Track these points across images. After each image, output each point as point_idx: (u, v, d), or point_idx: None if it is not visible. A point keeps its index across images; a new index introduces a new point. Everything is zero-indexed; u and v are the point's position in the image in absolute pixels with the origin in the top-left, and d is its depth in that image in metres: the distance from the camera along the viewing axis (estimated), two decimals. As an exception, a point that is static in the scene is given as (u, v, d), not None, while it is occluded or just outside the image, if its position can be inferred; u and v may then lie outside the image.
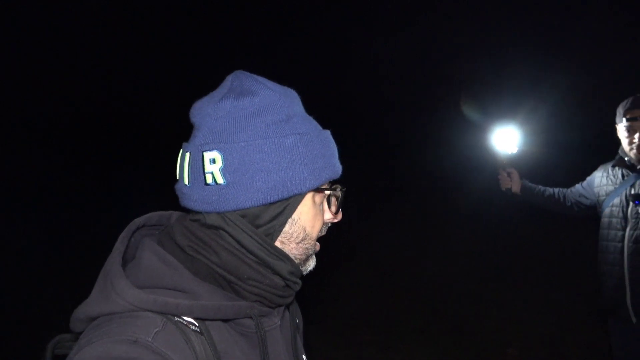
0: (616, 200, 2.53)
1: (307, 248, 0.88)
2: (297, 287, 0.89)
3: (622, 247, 2.46)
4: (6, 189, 7.80)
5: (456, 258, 5.97)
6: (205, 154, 0.79)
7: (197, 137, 0.82)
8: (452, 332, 4.32)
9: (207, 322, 0.79)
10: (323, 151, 0.85)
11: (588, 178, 2.79)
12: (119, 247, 0.83)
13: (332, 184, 0.91)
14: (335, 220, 0.94)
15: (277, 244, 0.85)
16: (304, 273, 0.92)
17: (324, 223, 0.92)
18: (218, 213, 0.81)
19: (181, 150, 0.86)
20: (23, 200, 7.66)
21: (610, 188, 2.59)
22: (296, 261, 0.88)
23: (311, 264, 0.92)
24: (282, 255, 0.84)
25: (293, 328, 0.98)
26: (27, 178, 8.45)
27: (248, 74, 0.86)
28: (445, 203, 7.97)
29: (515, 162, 2.86)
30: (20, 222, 6.84)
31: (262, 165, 0.78)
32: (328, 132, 0.90)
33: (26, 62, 11.03)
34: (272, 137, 0.80)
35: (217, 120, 0.81)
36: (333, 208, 0.93)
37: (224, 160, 0.78)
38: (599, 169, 2.74)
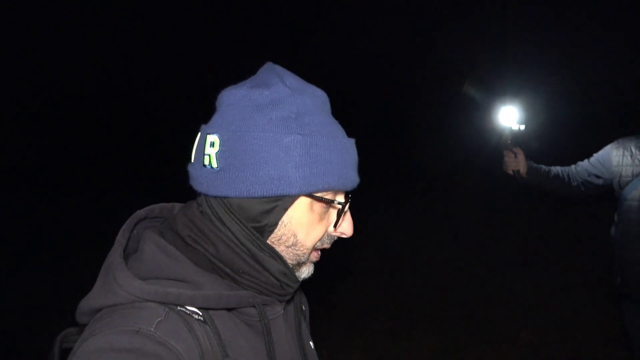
0: None
1: (297, 254, 0.86)
2: (291, 290, 0.88)
3: None
4: (10, 178, 7.88)
5: (466, 244, 5.94)
6: (208, 136, 0.81)
7: (211, 119, 0.84)
8: (464, 318, 4.31)
9: (210, 312, 0.80)
10: (329, 157, 0.81)
11: (598, 155, 2.61)
12: (120, 239, 0.84)
13: (347, 195, 0.87)
14: (344, 236, 0.90)
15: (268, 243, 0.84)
16: (299, 279, 0.89)
17: (327, 234, 0.89)
18: (216, 199, 0.82)
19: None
20: (26, 191, 7.72)
21: (639, 169, 2.41)
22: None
23: (305, 271, 0.90)
24: (273, 253, 0.83)
25: (298, 315, 0.99)
26: (31, 168, 8.52)
27: (276, 66, 0.86)
28: (454, 188, 7.92)
29: (521, 140, 2.65)
30: (23, 214, 6.90)
31: (253, 158, 0.78)
32: (350, 141, 0.86)
33: (25, 55, 11.10)
34: (270, 132, 0.78)
35: (228, 106, 0.82)
36: (340, 221, 0.87)
37: (221, 145, 0.79)
38: (614, 146, 2.54)
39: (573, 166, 2.70)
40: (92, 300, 0.78)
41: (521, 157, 2.61)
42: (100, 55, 11.66)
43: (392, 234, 6.17)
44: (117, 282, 0.75)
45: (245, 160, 0.78)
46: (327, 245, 0.90)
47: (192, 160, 0.85)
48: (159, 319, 0.73)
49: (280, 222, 0.82)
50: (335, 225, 0.87)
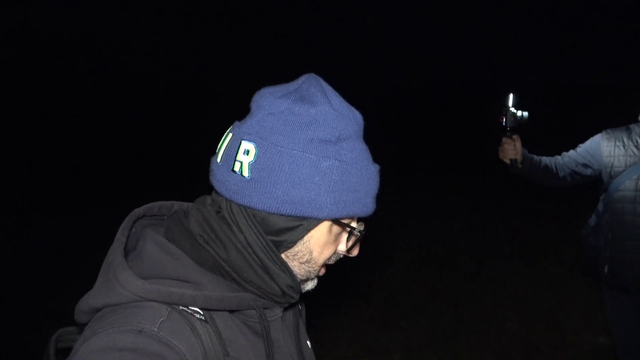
0: None
1: (309, 271, 0.87)
2: (293, 300, 0.89)
3: None
4: (6, 179, 7.77)
5: (454, 236, 6.01)
6: (243, 142, 0.79)
7: (246, 123, 0.82)
8: (452, 308, 4.37)
9: (211, 311, 0.80)
10: (358, 186, 0.82)
11: (586, 146, 2.59)
12: (120, 238, 0.83)
13: (359, 220, 0.89)
14: (350, 256, 0.92)
15: (282, 257, 0.85)
16: (302, 291, 0.92)
17: (336, 253, 0.91)
18: (239, 206, 0.81)
19: (230, 127, 0.85)
20: (21, 193, 7.63)
21: (633, 159, 2.40)
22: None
23: (310, 285, 0.92)
24: (285, 267, 0.84)
25: (296, 315, 0.99)
26: (27, 170, 8.42)
27: (320, 80, 0.85)
28: (444, 183, 7.99)
29: (520, 128, 2.51)
30: (19, 215, 6.82)
31: (288, 176, 0.77)
32: (376, 168, 0.87)
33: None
34: (310, 153, 0.77)
35: (268, 115, 0.80)
36: (349, 243, 0.90)
37: (257, 156, 0.77)
38: (604, 137, 2.53)
39: (559, 157, 2.67)
40: (92, 299, 0.77)
41: (519, 145, 2.52)
42: (101, 56, 11.49)
43: (384, 227, 6.21)
44: (119, 281, 0.74)
45: (281, 177, 0.77)
46: (332, 262, 0.92)
47: (219, 161, 0.82)
48: (162, 318, 0.72)
49: (300, 241, 0.83)
50: (350, 249, 0.90)
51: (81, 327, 0.81)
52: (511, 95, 2.50)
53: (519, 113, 2.49)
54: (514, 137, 2.51)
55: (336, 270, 0.95)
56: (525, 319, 4.14)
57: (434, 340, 3.91)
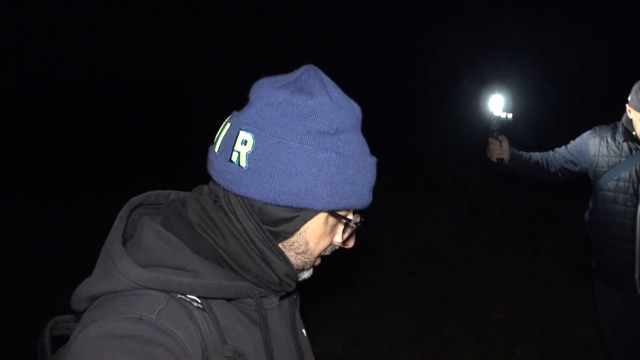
0: (623, 175, 2.42)
1: (305, 261, 0.88)
2: (290, 289, 0.90)
3: (634, 224, 2.39)
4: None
5: (441, 228, 6.05)
6: (240, 132, 0.79)
7: (244, 113, 0.82)
8: (439, 299, 4.42)
9: (209, 299, 0.80)
10: (355, 178, 0.82)
11: (575, 143, 2.68)
12: (117, 226, 0.83)
13: (355, 212, 0.90)
14: (345, 247, 0.93)
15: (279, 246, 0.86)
16: (299, 280, 0.93)
17: (332, 244, 0.91)
18: (237, 196, 0.81)
19: (229, 117, 0.85)
20: (14, 181, 7.52)
21: (615, 160, 2.47)
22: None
23: (306, 274, 0.94)
24: (282, 256, 0.85)
25: (292, 304, 1.00)
26: (20, 159, 8.31)
27: (319, 72, 0.85)
28: (431, 176, 8.03)
29: (507, 129, 2.68)
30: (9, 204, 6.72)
31: (286, 167, 0.77)
32: (373, 161, 0.87)
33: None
34: (308, 144, 0.78)
35: (267, 105, 0.80)
36: (345, 235, 0.91)
37: (254, 146, 0.78)
38: (590, 135, 2.60)
39: (551, 152, 2.77)
40: (91, 286, 0.77)
41: (505, 145, 2.66)
42: (98, 51, 11.30)
43: (373, 220, 6.24)
44: (118, 268, 0.74)
45: (278, 167, 0.77)
46: (328, 253, 0.93)
47: (217, 150, 0.82)
48: (161, 306, 0.73)
49: (296, 232, 0.84)
50: (346, 241, 0.91)
51: (78, 314, 0.81)
52: (495, 99, 2.65)
53: (503, 115, 2.64)
54: (500, 137, 2.65)
55: (326, 262, 0.96)
56: (511, 310, 4.21)
57: (421, 330, 3.96)
